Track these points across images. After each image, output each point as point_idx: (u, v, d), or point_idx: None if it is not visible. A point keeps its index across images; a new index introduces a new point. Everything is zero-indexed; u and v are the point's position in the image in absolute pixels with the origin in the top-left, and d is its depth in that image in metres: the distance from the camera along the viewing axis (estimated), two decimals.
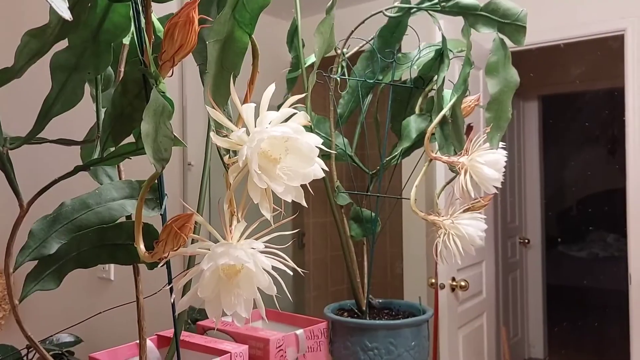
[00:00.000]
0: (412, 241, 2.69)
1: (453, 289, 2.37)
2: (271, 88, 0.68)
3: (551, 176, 4.56)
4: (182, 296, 0.76)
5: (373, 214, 1.38)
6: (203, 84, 0.73)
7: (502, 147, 1.22)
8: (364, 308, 1.39)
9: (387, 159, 1.39)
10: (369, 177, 1.41)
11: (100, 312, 1.19)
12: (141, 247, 0.69)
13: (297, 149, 0.68)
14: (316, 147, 0.69)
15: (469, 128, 2.52)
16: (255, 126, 0.69)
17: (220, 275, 0.70)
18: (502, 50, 1.18)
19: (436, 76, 1.38)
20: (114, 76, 0.95)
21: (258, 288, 0.72)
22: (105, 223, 0.89)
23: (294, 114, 0.68)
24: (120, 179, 0.97)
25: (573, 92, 4.21)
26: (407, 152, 1.40)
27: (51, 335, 1.32)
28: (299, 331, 1.28)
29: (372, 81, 1.41)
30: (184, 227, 0.63)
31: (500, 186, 1.24)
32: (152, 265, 0.81)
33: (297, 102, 0.72)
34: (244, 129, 0.67)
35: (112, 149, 0.87)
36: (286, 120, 0.69)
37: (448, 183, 1.40)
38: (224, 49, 0.72)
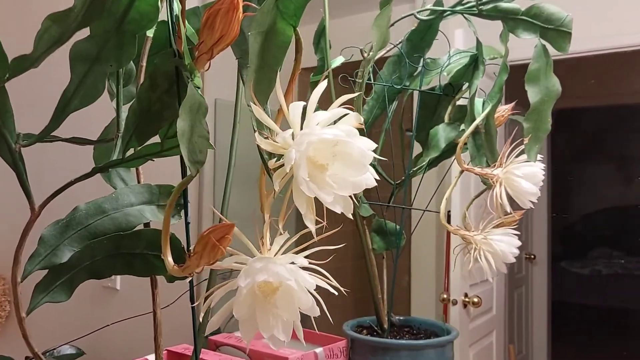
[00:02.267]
0: (421, 254, 2.61)
1: (465, 305, 2.29)
2: (322, 85, 0.61)
3: (558, 191, 4.49)
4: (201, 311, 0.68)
5: (397, 227, 1.31)
6: (243, 80, 0.66)
7: (539, 160, 1.16)
8: (385, 326, 1.31)
9: (414, 169, 1.32)
10: (393, 188, 1.33)
11: (108, 325, 1.11)
12: (169, 259, 0.61)
13: (347, 154, 0.61)
14: (370, 152, 0.61)
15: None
16: (302, 128, 0.61)
17: (256, 293, 0.63)
18: (544, 57, 1.11)
19: (467, 84, 1.31)
20: (135, 71, 0.87)
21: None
22: (122, 230, 0.82)
23: (346, 114, 0.61)
24: (138, 182, 0.89)
25: (581, 107, 4.16)
26: (434, 163, 1.33)
27: (53, 348, 1.24)
28: (319, 350, 1.20)
29: (399, 87, 1.33)
30: (223, 239, 0.56)
31: (536, 201, 1.17)
32: (173, 279, 0.74)
33: (343, 104, 0.64)
34: (291, 130, 0.59)
35: (133, 150, 0.79)
36: (335, 122, 0.62)
37: (477, 196, 1.33)
38: (265, 42, 0.65)
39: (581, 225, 5.38)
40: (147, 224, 0.85)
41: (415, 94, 1.35)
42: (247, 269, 0.62)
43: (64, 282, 0.80)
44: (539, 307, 4.18)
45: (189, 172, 0.60)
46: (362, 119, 0.61)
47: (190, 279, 0.62)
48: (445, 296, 2.30)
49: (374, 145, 0.61)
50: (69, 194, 0.81)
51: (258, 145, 0.60)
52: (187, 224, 0.75)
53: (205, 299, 0.67)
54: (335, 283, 0.66)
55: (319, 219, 0.63)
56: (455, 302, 2.26)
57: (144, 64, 0.86)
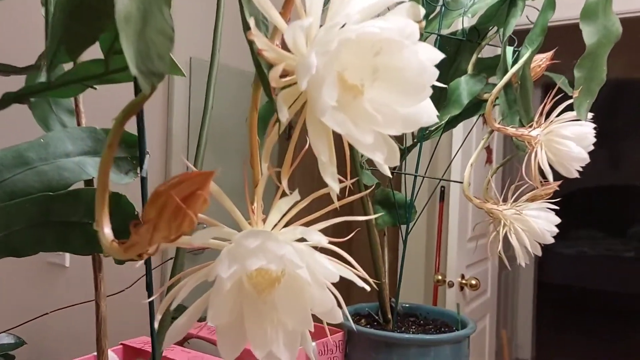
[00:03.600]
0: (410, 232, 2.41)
1: (462, 288, 2.09)
2: None
3: None
4: (168, 309, 0.45)
5: (408, 199, 1.08)
6: None
7: (589, 120, 0.94)
8: (389, 315, 1.10)
9: (429, 130, 1.09)
10: (403, 151, 1.11)
11: (47, 313, 0.88)
12: (105, 231, 0.38)
13: (396, 70, 0.38)
14: (433, 68, 0.38)
15: (489, 151, 2.23)
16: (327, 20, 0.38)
17: (246, 288, 0.40)
18: None
19: (495, 28, 1.09)
20: None
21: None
22: (53, 190, 0.58)
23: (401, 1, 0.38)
24: (79, 125, 0.65)
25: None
26: (453, 122, 1.11)
27: None
28: (312, 344, 0.97)
29: None
30: (193, 198, 0.32)
31: (582, 170, 0.95)
32: (122, 261, 0.50)
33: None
34: (307, 21, 0.36)
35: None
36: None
37: (505, 163, 1.11)
38: None
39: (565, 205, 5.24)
40: (88, 182, 0.62)
41: (432, 40, 1.12)
42: (233, 250, 0.39)
43: None
44: (525, 289, 4.02)
45: (145, 92, 0.37)
46: (422, 13, 0.38)
47: (142, 260, 0.39)
48: (440, 278, 2.09)
49: (439, 56, 0.38)
50: None
51: (252, 49, 0.37)
52: (142, 179, 0.51)
53: (169, 289, 0.45)
54: (363, 273, 0.44)
55: (341, 178, 0.40)
56: (451, 284, 2.06)
57: None
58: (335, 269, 0.39)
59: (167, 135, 1.96)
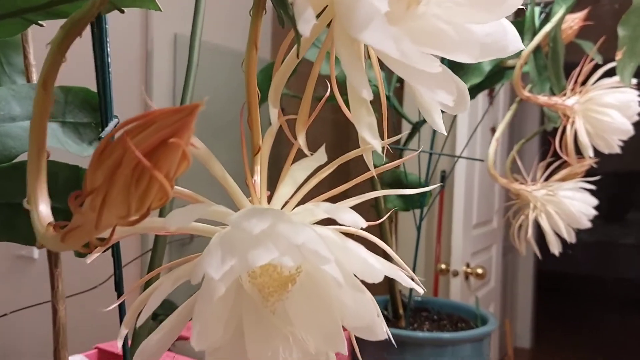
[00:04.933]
0: (406, 218, 2.29)
1: (467, 277, 1.98)
2: None
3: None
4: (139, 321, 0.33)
5: (422, 180, 0.96)
6: None
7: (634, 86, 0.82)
8: (400, 311, 0.98)
9: None
10: (417, 126, 0.98)
11: (6, 314, 0.75)
12: (40, 210, 0.26)
13: None
14: None
15: (494, 130, 2.10)
16: None
17: (246, 291, 0.28)
18: None
19: None
20: None
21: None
22: None
23: None
24: (29, 82, 0.52)
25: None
26: (474, 92, 0.98)
27: None
28: None
29: None
30: (164, 150, 0.19)
31: (622, 143, 0.83)
32: (81, 254, 0.38)
33: None
34: None
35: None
36: None
37: (531, 137, 0.99)
38: None
39: None
40: None
41: None
42: (228, 237, 0.26)
43: None
44: (524, 276, 3.93)
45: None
46: None
47: (92, 253, 0.27)
48: (443, 267, 1.98)
49: None
50: None
51: None
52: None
53: (147, 284, 0.33)
54: (409, 270, 0.32)
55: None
56: (456, 273, 1.95)
57: None
58: (380, 265, 0.27)
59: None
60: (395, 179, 0.98)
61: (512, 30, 0.27)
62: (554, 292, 4.58)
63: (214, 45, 1.87)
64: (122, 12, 0.41)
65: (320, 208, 0.28)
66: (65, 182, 0.46)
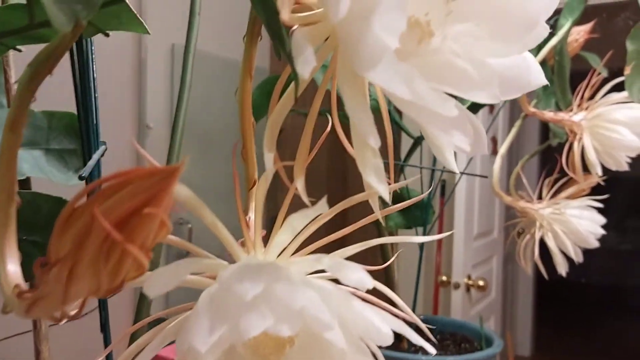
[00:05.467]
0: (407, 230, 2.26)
1: (468, 289, 1.95)
2: None
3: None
4: None
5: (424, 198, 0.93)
6: None
7: None
8: None
9: None
10: (418, 140, 0.95)
11: None
12: (8, 271, 0.23)
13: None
14: None
15: (494, 141, 2.07)
16: None
17: (240, 351, 0.25)
18: None
19: None
20: None
21: None
22: None
23: None
24: (9, 106, 0.49)
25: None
26: (476, 108, 0.96)
27: None
28: None
29: None
30: (139, 220, 0.17)
31: (630, 160, 0.81)
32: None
33: None
34: None
35: None
36: None
37: (535, 153, 0.96)
38: None
39: None
40: (23, 183, 0.46)
41: None
42: (217, 298, 0.23)
43: None
44: (524, 284, 3.90)
45: (60, 28, 0.21)
46: None
47: (62, 321, 0.24)
48: (444, 279, 1.95)
49: None
50: None
51: None
52: (86, 182, 0.36)
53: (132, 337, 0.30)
54: (416, 319, 0.29)
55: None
56: (457, 286, 1.92)
57: None
58: (386, 328, 0.24)
59: (139, 130, 1.76)
60: (397, 196, 0.95)
61: (535, 65, 0.24)
62: (554, 299, 4.54)
63: (209, 54, 1.84)
64: (107, 35, 0.38)
65: (321, 263, 0.25)
66: (48, 215, 0.43)
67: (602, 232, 0.81)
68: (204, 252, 0.27)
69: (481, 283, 1.91)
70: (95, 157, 0.39)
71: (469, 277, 1.94)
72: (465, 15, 0.23)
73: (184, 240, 0.26)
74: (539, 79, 0.24)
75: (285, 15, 0.20)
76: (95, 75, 0.45)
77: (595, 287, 5.03)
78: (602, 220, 0.82)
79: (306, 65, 0.19)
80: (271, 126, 0.24)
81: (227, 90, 1.81)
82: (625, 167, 0.80)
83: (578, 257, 0.82)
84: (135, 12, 0.37)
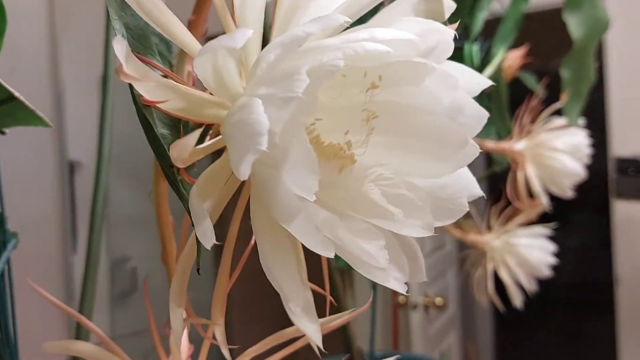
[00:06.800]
0: None
1: (426, 308, 1.94)
2: None
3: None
4: None
5: None
6: None
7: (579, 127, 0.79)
8: None
9: None
10: None
11: None
12: None
13: (408, 112, 0.20)
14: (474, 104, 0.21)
15: None
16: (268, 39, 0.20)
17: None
18: None
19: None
20: None
21: None
22: None
23: None
24: None
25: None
26: None
27: None
28: None
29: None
30: None
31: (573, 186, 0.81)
32: None
33: None
34: (244, 32, 0.17)
35: None
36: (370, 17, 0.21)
37: (480, 180, 0.96)
38: None
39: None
40: None
41: None
42: None
43: None
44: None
45: None
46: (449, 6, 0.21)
47: None
48: (401, 301, 1.93)
49: (482, 82, 0.21)
50: None
51: (133, 96, 0.18)
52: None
53: None
54: None
55: None
56: (415, 306, 1.90)
57: None
58: None
59: (60, 168, 1.57)
60: None
61: (466, 176, 0.22)
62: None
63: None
64: (4, 133, 0.35)
65: None
66: None
67: (552, 260, 0.81)
68: None
69: (438, 301, 1.91)
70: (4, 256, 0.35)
71: (426, 295, 1.94)
72: (390, 133, 0.20)
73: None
74: (476, 193, 0.22)
75: (179, 163, 0.18)
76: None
77: (551, 284, 5.12)
78: (552, 247, 0.81)
79: (206, 240, 0.16)
80: (177, 284, 0.21)
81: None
82: (569, 194, 0.79)
83: (532, 287, 0.82)
84: (33, 108, 0.34)
